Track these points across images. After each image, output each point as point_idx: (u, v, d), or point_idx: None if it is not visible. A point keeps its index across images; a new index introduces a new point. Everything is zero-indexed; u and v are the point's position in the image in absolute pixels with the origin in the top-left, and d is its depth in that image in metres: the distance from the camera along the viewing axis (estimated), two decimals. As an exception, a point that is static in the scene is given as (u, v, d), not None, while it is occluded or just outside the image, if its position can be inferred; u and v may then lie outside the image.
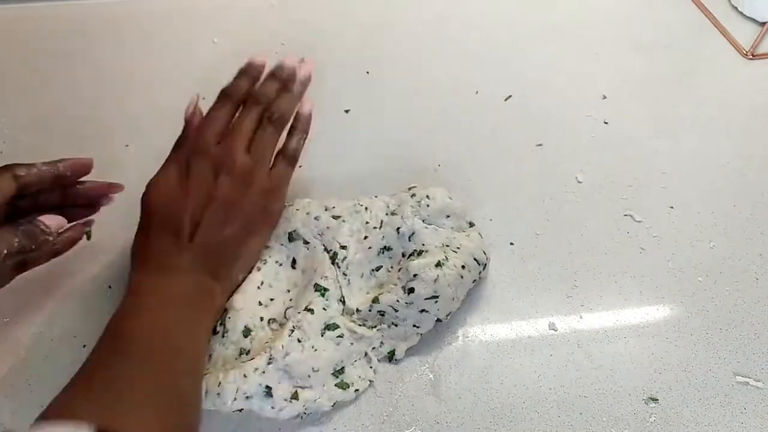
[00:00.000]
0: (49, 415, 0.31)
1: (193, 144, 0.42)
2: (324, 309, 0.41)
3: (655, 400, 0.41)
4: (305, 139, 0.46)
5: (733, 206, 0.52)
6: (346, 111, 0.59)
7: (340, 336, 0.41)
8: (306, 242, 0.44)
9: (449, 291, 0.41)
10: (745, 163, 0.56)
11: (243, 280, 0.43)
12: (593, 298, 0.46)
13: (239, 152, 0.42)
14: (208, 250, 0.40)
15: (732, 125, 0.59)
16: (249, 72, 0.46)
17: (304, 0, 0.72)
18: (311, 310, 0.41)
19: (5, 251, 0.36)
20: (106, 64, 0.64)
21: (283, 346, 0.39)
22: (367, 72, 0.58)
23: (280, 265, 0.44)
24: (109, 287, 0.46)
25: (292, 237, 0.44)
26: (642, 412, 0.40)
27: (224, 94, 0.44)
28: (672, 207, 0.52)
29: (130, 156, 0.55)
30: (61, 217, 0.40)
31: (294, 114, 0.46)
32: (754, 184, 0.54)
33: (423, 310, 0.41)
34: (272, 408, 0.38)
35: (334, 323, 0.41)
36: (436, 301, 0.41)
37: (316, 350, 0.39)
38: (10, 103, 0.60)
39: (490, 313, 0.45)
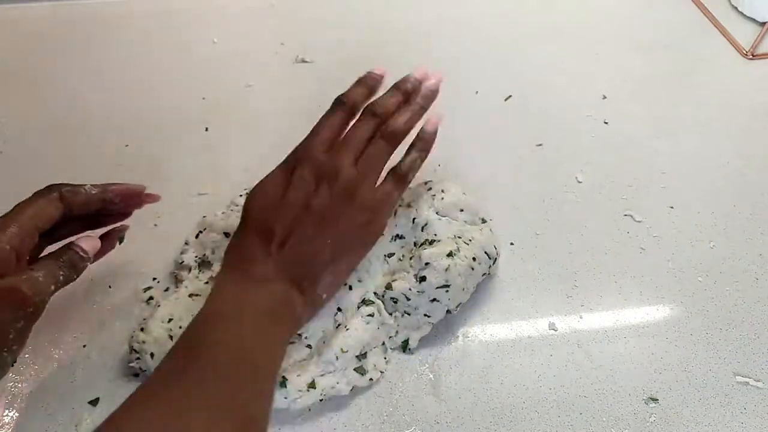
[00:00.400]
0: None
1: (300, 151, 0.40)
2: (359, 281, 0.43)
3: (655, 400, 0.41)
4: (423, 159, 0.43)
5: (733, 206, 0.52)
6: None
7: (371, 315, 0.41)
8: None
9: (460, 281, 0.42)
10: (745, 163, 0.56)
11: (327, 300, 0.41)
12: (593, 298, 0.46)
13: (345, 164, 0.39)
14: (295, 261, 0.38)
15: (732, 125, 0.59)
16: (366, 81, 0.43)
17: (304, 0, 0.73)
18: (349, 287, 0.43)
19: (53, 287, 0.36)
20: (105, 64, 0.65)
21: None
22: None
23: None
24: (109, 287, 0.46)
25: None
26: (642, 412, 0.40)
27: (338, 102, 0.42)
28: (672, 207, 0.52)
29: (130, 156, 0.55)
30: (96, 237, 0.40)
31: (416, 130, 0.44)
32: (754, 184, 0.54)
33: (434, 299, 0.42)
34: (285, 398, 0.38)
35: (369, 299, 0.42)
36: (447, 291, 0.41)
37: (348, 329, 0.40)
38: (10, 103, 0.60)
39: (490, 313, 0.45)
